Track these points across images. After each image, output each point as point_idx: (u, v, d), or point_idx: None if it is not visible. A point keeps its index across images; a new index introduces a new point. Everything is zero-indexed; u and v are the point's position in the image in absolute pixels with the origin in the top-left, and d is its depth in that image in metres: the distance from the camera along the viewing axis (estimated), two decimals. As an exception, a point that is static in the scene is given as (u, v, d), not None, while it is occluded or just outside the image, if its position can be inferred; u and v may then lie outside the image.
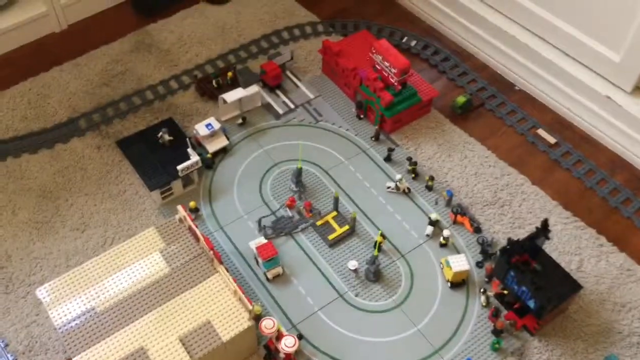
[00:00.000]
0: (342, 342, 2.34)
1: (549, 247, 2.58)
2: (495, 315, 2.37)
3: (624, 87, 2.90)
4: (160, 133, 2.78)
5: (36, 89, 3.14)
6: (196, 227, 2.31)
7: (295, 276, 2.52)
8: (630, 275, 2.53)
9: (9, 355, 2.26)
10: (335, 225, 2.66)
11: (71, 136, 2.95)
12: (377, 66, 2.93)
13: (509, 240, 2.31)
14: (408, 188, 2.80)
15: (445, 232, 2.59)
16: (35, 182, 2.78)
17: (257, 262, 2.53)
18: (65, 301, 2.15)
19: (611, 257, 2.58)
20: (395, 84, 2.89)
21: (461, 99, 3.10)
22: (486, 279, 2.50)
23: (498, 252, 2.35)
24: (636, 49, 2.74)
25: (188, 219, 2.32)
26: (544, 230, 2.31)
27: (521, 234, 2.59)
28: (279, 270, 2.50)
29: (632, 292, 2.48)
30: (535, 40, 3.14)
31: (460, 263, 2.45)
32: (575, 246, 2.61)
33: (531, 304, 2.26)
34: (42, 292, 2.18)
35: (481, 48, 3.38)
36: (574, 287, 2.30)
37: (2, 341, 2.30)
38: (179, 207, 2.36)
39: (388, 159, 2.91)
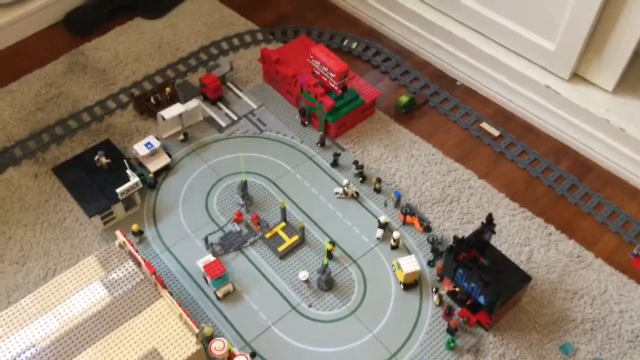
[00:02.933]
0: (297, 355, 2.30)
1: (498, 241, 2.58)
2: (448, 313, 2.36)
3: (561, 75, 2.93)
4: (97, 156, 2.70)
5: (-33, 119, 3.03)
6: (137, 251, 2.25)
7: (247, 292, 2.47)
8: (580, 262, 2.54)
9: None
10: (284, 236, 2.62)
11: (6, 166, 2.85)
12: (316, 72, 2.89)
13: (455, 238, 2.29)
14: (356, 192, 2.77)
15: (395, 234, 2.56)
16: (-30, 217, 2.67)
17: (207, 281, 2.46)
18: (3, 340, 2.06)
19: (560, 245, 2.59)
20: (336, 88, 2.86)
21: (404, 98, 3.09)
22: (438, 278, 2.49)
23: (445, 251, 2.33)
24: (569, 36, 2.77)
25: (127, 243, 2.25)
26: (488, 224, 2.31)
27: (470, 229, 2.59)
28: (228, 287, 2.44)
29: (583, 278, 2.49)
30: (472, 35, 3.14)
31: (410, 264, 2.43)
32: (524, 237, 2.62)
33: (481, 300, 2.25)
34: (-22, 334, 2.08)
35: (421, 46, 3.38)
36: (524, 279, 2.30)
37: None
38: (118, 232, 2.29)
39: (335, 164, 2.88)
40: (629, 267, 2.51)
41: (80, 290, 2.16)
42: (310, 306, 2.43)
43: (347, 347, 2.33)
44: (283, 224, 2.66)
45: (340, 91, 2.87)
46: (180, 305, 2.12)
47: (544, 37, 2.89)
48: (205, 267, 2.41)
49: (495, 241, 2.48)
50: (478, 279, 2.22)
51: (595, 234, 2.65)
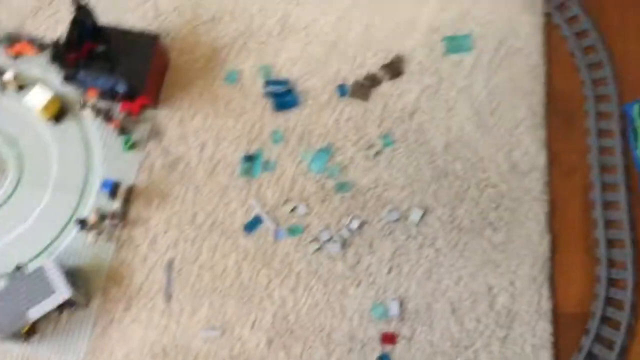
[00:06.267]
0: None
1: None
2: (109, 118, 2.12)
3: None
4: None
5: None
6: None
7: None
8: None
9: None
10: None
11: None
12: None
13: (52, 45, 1.94)
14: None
15: (7, 76, 2.15)
16: None
17: None
18: None
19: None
20: None
21: None
22: (78, 90, 2.18)
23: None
24: None
25: None
26: (78, 7, 1.96)
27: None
28: None
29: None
30: None
31: (40, 94, 2.08)
32: None
33: (122, 88, 2.01)
34: None
35: None
36: (151, 39, 2.06)
37: None
38: None
39: None
40: (249, -38, 2.36)
41: None
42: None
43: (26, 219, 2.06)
44: None
45: None
46: None
47: None
48: None
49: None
50: (103, 69, 1.94)
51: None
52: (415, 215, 2.02)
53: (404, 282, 1.96)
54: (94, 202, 2.06)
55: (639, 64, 2.21)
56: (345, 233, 2.01)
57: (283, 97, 2.17)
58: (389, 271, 1.98)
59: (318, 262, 1.99)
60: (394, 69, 2.20)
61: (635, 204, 2.03)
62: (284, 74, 2.21)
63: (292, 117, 2.16)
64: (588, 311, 1.93)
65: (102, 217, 2.01)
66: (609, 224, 2.00)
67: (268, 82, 2.18)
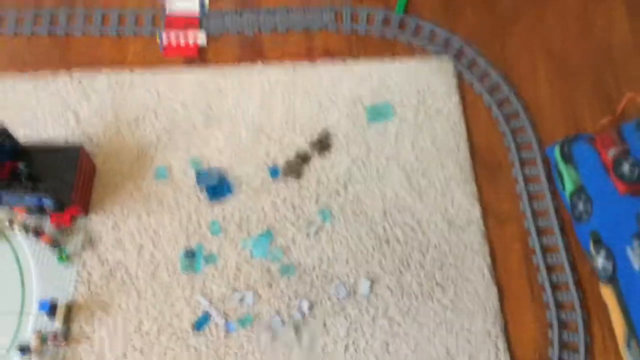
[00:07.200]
0: None
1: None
2: (37, 233, 2.05)
3: None
4: None
5: None
6: None
7: None
8: (122, 87, 2.34)
9: None
10: None
11: None
12: None
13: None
14: None
15: None
16: None
17: None
18: None
19: (96, 86, 2.34)
20: None
21: None
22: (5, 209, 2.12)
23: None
24: None
25: None
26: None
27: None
28: None
29: (133, 101, 2.31)
30: None
31: (-35, 222, 2.01)
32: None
33: (48, 203, 1.96)
34: None
35: None
36: (74, 151, 2.04)
37: None
38: None
39: None
40: (166, 60, 2.39)
41: None
42: None
43: (-27, 347, 1.95)
44: None
45: None
46: None
47: None
48: None
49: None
50: (25, 190, 1.90)
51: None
52: (364, 287, 2.02)
53: (362, 358, 1.94)
54: (34, 323, 1.97)
55: (552, 108, 2.31)
56: (296, 316, 1.99)
57: (216, 186, 2.16)
58: (346, 349, 1.95)
59: (273, 351, 1.95)
60: (322, 143, 2.23)
61: (571, 245, 2.08)
62: (214, 163, 2.21)
63: (228, 206, 2.15)
64: (545, 358, 1.95)
65: (44, 338, 1.92)
66: (550, 268, 2.05)
67: (199, 174, 2.17)
